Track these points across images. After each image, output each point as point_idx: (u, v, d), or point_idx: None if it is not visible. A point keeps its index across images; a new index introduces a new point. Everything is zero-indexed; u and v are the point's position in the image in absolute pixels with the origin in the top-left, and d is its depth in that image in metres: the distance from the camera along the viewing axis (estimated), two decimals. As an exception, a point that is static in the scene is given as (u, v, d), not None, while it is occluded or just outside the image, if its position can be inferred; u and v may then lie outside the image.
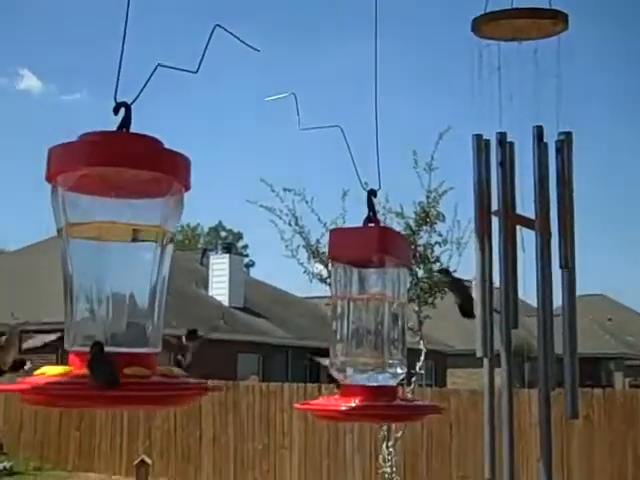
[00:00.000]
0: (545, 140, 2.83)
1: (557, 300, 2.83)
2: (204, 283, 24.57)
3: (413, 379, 8.37)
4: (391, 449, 7.75)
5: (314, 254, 8.29)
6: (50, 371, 1.53)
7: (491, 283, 2.83)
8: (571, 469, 10.21)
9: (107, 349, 1.44)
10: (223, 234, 60.33)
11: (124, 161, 1.50)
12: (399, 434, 7.94)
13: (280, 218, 8.32)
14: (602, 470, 10.16)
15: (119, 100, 1.53)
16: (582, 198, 2.96)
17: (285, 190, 8.38)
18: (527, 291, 2.94)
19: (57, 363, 1.59)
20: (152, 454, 12.12)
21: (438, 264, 8.26)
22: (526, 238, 2.91)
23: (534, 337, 2.77)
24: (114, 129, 1.53)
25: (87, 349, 1.45)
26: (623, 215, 71.64)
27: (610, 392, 11.15)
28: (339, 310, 2.28)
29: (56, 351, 3.17)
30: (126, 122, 1.53)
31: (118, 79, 1.54)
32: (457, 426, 11.04)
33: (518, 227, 2.87)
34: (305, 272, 8.40)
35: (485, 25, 2.93)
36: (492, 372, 2.81)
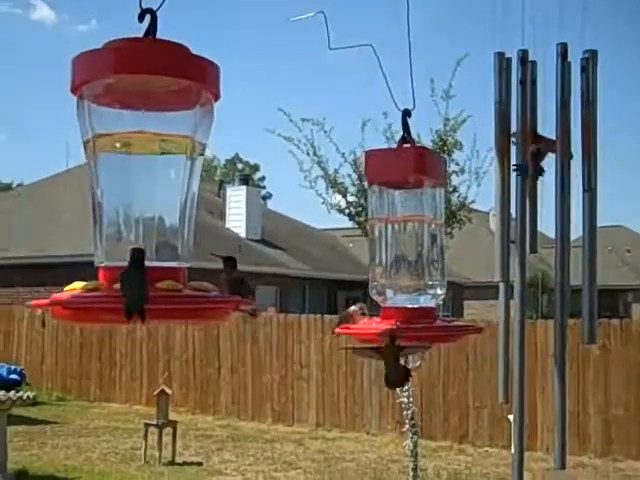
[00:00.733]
0: (569, 59, 2.74)
1: (575, 231, 2.78)
2: (221, 215, 24.59)
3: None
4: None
5: (332, 184, 8.25)
6: (80, 286, 1.50)
7: (509, 208, 2.77)
8: (586, 399, 10.26)
9: None
10: (240, 166, 60.29)
11: (151, 68, 1.44)
12: (417, 364, 7.96)
13: (298, 148, 8.27)
14: (618, 400, 10.21)
15: (144, 6, 1.46)
16: (605, 122, 2.88)
17: (303, 120, 8.31)
18: (544, 221, 2.89)
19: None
20: (171, 385, 12.28)
21: (456, 193, 8.21)
22: (546, 163, 2.85)
23: (550, 268, 2.72)
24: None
25: (117, 264, 1.43)
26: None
27: (627, 322, 11.12)
28: (377, 233, 2.25)
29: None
30: (152, 29, 1.47)
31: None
32: (474, 357, 11.09)
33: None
34: (323, 203, 8.38)
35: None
36: (508, 297, 2.77)
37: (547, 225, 2.94)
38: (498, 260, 2.68)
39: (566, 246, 2.72)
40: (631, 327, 10.50)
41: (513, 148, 2.79)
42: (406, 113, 2.18)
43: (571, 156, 2.71)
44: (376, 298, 2.21)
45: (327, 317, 12.69)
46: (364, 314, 2.35)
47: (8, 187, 46.88)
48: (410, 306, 2.17)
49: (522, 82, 2.72)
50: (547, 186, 2.84)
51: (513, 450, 2.81)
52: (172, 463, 9.32)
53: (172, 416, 10.19)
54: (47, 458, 9.57)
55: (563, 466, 2.74)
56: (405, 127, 2.18)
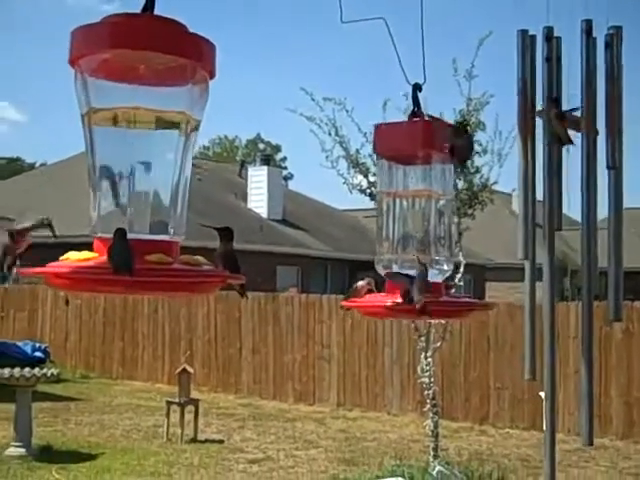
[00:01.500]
0: (594, 35, 2.71)
1: (601, 210, 2.74)
2: (242, 195, 24.62)
3: (452, 291, 8.34)
4: (429, 359, 7.79)
5: (354, 164, 8.22)
6: (74, 257, 1.53)
7: (534, 185, 2.75)
8: (609, 381, 10.22)
9: (130, 236, 1.44)
10: (261, 146, 60.26)
11: (147, 43, 1.45)
12: (438, 344, 7.97)
13: (320, 127, 8.23)
14: (640, 382, 10.16)
15: None
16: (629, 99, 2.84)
17: (325, 99, 8.26)
18: (566, 203, 2.85)
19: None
20: (193, 365, 12.35)
21: (478, 175, 8.15)
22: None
23: (574, 251, 2.70)
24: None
25: (110, 236, 1.45)
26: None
27: (651, 305, 11.03)
28: (384, 207, 2.24)
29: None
30: (150, 4, 1.48)
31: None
32: (494, 339, 11.07)
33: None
34: (345, 183, 8.34)
35: None
36: (534, 276, 2.75)
37: (568, 206, 2.91)
38: (521, 238, 2.66)
39: (592, 226, 2.69)
40: (655, 309, 10.42)
41: (537, 125, 2.77)
42: (416, 87, 2.16)
43: (597, 132, 2.68)
44: (382, 272, 2.21)
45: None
46: (371, 290, 2.35)
47: (31, 167, 47.15)
48: None
49: (548, 59, 2.69)
50: (572, 166, 2.81)
51: (545, 427, 2.79)
52: (194, 440, 9.40)
53: (194, 395, 10.27)
54: (71, 434, 9.67)
55: (591, 442, 2.73)
56: (415, 101, 2.16)
